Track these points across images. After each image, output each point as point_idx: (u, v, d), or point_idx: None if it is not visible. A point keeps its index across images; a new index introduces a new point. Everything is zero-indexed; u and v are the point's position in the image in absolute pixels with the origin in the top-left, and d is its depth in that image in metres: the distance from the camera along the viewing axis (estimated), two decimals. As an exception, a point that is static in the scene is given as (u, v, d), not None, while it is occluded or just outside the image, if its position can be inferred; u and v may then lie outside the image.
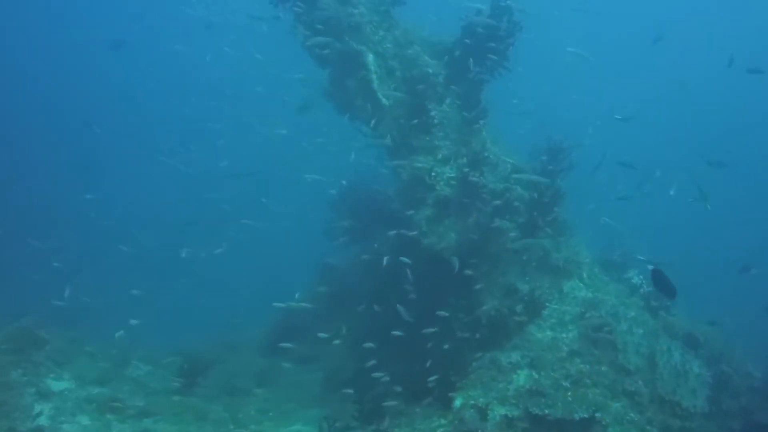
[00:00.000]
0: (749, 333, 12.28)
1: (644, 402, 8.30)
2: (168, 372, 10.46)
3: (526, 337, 8.95)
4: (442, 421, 7.88)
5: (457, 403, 7.95)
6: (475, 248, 9.49)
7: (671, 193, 13.73)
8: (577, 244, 10.84)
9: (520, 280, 9.84)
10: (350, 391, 8.70)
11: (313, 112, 13.07)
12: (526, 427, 7.59)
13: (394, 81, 10.40)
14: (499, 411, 7.73)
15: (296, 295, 10.86)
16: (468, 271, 9.16)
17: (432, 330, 8.75)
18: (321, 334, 9.53)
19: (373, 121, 9.99)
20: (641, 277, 11.09)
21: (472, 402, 7.89)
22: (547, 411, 7.60)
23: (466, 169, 9.71)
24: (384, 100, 9.99)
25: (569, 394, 7.93)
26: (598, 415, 7.67)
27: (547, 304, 9.42)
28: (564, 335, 8.98)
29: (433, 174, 9.74)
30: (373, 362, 8.67)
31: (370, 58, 10.10)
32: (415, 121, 9.99)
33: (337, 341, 9.56)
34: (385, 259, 9.28)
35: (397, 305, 8.61)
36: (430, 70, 10.39)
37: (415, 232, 9.38)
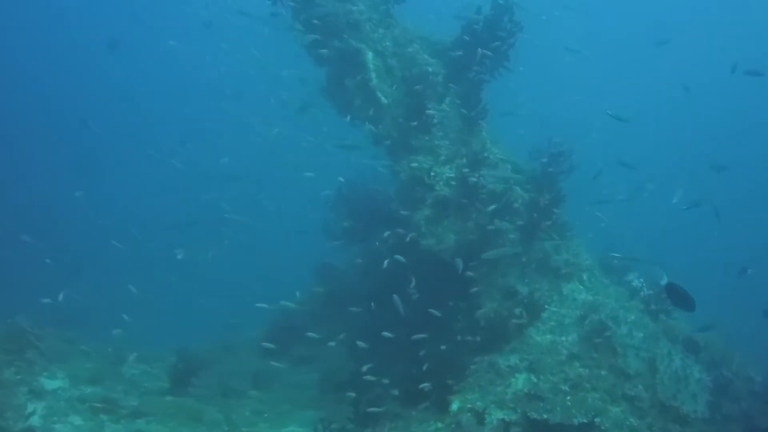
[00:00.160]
0: (749, 336, 12.19)
1: (644, 407, 8.17)
2: (163, 372, 10.37)
3: (525, 340, 8.83)
4: (439, 425, 7.76)
5: (454, 406, 7.85)
6: (474, 249, 9.38)
7: (674, 201, 13.58)
8: (578, 246, 10.73)
9: (520, 282, 9.72)
10: (352, 394, 8.59)
11: (312, 111, 12.97)
12: (523, 432, 7.48)
13: (394, 80, 10.30)
14: (496, 415, 7.62)
15: (297, 294, 10.76)
16: (469, 273, 9.05)
17: (423, 336, 8.62)
18: (311, 334, 9.42)
19: (369, 123, 9.89)
20: (641, 280, 10.98)
21: (470, 406, 7.79)
22: (545, 416, 7.49)
23: (465, 170, 9.60)
24: (383, 99, 9.90)
25: (568, 398, 7.82)
26: (597, 420, 7.56)
27: (546, 306, 9.31)
28: (563, 338, 8.86)
29: (432, 174, 9.63)
30: (368, 367, 8.56)
31: (370, 56, 10.00)
32: (414, 122, 9.88)
33: (332, 343, 9.43)
34: (386, 262, 9.16)
35: (393, 295, 8.48)
36: (430, 69, 10.28)
37: (412, 234, 9.25)
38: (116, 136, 28.51)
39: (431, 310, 8.67)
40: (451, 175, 9.76)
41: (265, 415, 9.57)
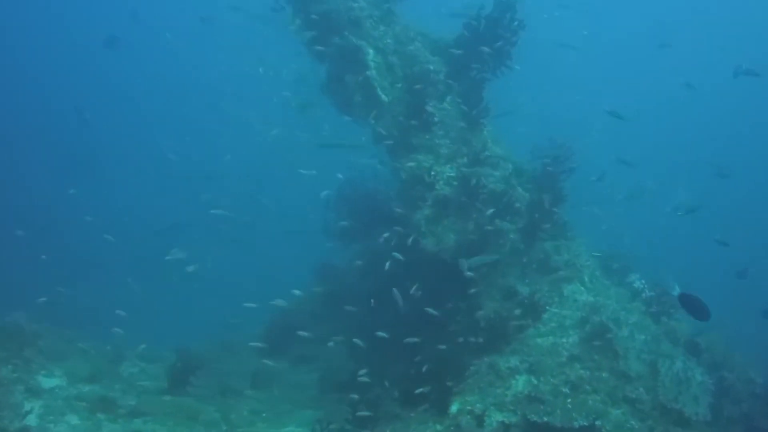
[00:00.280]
0: (749, 337, 12.13)
1: (646, 409, 8.08)
2: (161, 370, 10.31)
3: (526, 342, 8.76)
4: (438, 427, 7.69)
5: (454, 408, 7.77)
6: (474, 249, 9.31)
7: (670, 208, 13.49)
8: (578, 246, 10.66)
9: (520, 283, 9.66)
10: (352, 396, 8.53)
11: (312, 110, 12.89)
12: (523, 435, 7.41)
13: (395, 77, 10.21)
14: (496, 417, 7.54)
15: (297, 293, 10.71)
16: (468, 273, 8.97)
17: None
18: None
19: (370, 122, 9.80)
20: (643, 281, 10.90)
21: (469, 408, 7.70)
22: (545, 418, 7.41)
23: (464, 169, 9.52)
24: (384, 97, 9.81)
25: (569, 400, 7.73)
26: (598, 422, 7.48)
27: (547, 307, 9.23)
28: (564, 340, 8.78)
29: (432, 173, 9.55)
30: (364, 371, 8.50)
31: (370, 53, 9.90)
32: (415, 121, 9.80)
33: (331, 343, 9.38)
34: (387, 264, 9.07)
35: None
36: (432, 67, 10.19)
37: (414, 236, 9.16)
38: (115, 134, 28.48)
39: (428, 309, 8.58)
40: (452, 174, 9.68)
41: (264, 414, 9.52)
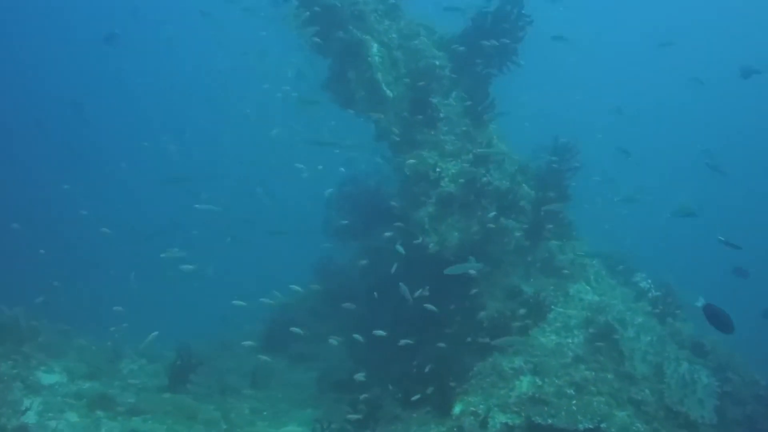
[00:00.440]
0: (749, 338, 11.99)
1: (651, 411, 7.99)
2: (161, 367, 10.22)
3: (530, 342, 8.65)
4: (440, 429, 7.58)
5: (456, 409, 7.67)
6: (478, 248, 9.18)
7: (669, 214, 13.30)
8: (583, 245, 10.55)
9: (524, 282, 9.54)
10: (353, 395, 8.42)
11: (313, 106, 12.72)
12: (527, 437, 7.31)
13: (399, 73, 10.05)
14: (499, 419, 7.44)
15: (299, 290, 10.61)
16: (472, 272, 8.85)
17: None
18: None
19: (373, 117, 9.65)
20: (649, 281, 10.80)
21: (472, 409, 7.60)
22: (550, 420, 7.30)
23: (468, 165, 9.39)
24: (388, 92, 9.64)
25: (573, 402, 7.63)
26: (603, 425, 7.37)
27: (552, 307, 9.12)
28: (569, 340, 8.69)
29: (437, 170, 9.41)
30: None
31: (375, 48, 9.73)
32: (420, 116, 9.65)
33: (334, 342, 9.26)
34: (394, 267, 8.93)
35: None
36: (437, 62, 10.03)
37: (421, 239, 9.01)
38: (114, 130, 28.34)
39: (428, 306, 8.46)
40: (456, 171, 9.53)
41: (264, 413, 9.42)
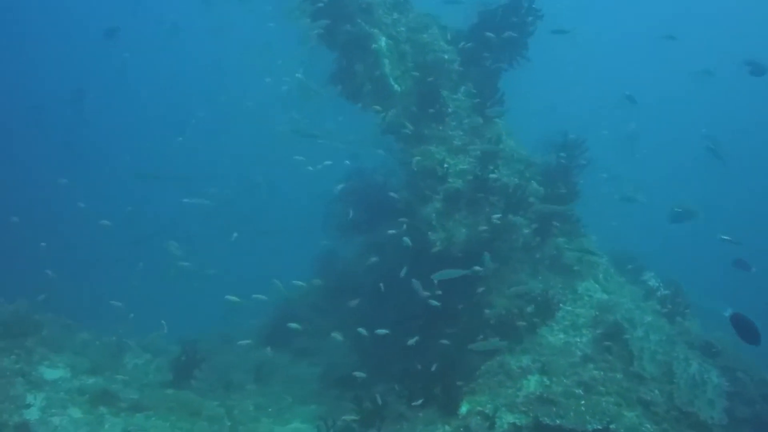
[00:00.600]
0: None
1: (660, 412, 7.88)
2: (164, 363, 10.14)
3: (538, 341, 8.55)
4: (447, 428, 7.49)
5: (463, 409, 7.57)
6: (486, 245, 9.06)
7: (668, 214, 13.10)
8: (592, 243, 10.42)
9: (532, 280, 9.42)
10: (356, 393, 8.33)
11: (317, 100, 12.58)
12: (535, 437, 7.21)
13: (407, 66, 9.89)
14: (507, 419, 7.34)
15: (302, 284, 10.51)
16: (477, 268, 8.74)
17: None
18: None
19: (380, 111, 9.50)
20: (658, 279, 10.67)
21: (479, 408, 7.51)
22: (558, 421, 7.20)
23: (476, 161, 9.25)
24: (396, 86, 9.50)
25: (582, 402, 7.53)
26: (612, 426, 7.27)
27: (561, 305, 9.00)
28: (577, 339, 8.58)
29: (445, 165, 9.28)
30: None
31: (383, 41, 9.58)
32: (428, 111, 9.50)
33: (339, 338, 9.17)
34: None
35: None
36: (446, 56, 9.88)
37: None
38: (115, 125, 28.19)
39: (432, 301, 8.35)
40: (465, 167, 9.40)
41: (269, 410, 9.35)
